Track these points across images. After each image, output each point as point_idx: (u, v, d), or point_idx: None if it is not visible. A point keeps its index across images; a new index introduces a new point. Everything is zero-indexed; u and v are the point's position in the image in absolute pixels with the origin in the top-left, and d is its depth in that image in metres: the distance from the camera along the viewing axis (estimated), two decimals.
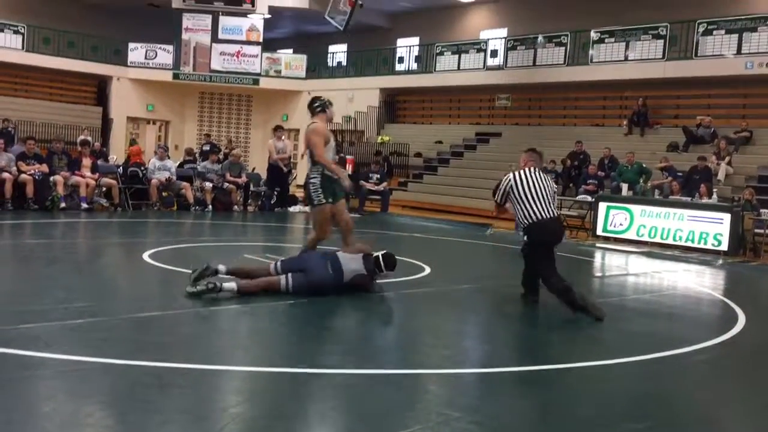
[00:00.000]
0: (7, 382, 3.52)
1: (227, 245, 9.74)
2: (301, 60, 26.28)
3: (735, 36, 16.50)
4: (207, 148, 18.12)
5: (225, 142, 22.05)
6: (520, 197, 6.20)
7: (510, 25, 23.17)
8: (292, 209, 15.49)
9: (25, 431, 3.01)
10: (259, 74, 25.45)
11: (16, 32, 23.26)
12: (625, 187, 13.90)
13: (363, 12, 20.63)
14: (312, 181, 6.53)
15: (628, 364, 4.74)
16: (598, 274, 10.12)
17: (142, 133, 26.67)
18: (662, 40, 17.70)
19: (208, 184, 14.13)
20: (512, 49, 20.88)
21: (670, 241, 12.40)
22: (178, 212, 13.49)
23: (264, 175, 15.79)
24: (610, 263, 11.01)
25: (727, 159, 14.79)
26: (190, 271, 5.86)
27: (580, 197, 14.74)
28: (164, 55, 25.39)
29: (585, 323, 5.82)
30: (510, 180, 6.30)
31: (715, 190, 13.26)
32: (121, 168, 13.98)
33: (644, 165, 14.78)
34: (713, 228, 11.97)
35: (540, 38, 19.98)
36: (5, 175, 11.62)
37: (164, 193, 13.84)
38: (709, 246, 11.95)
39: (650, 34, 17.90)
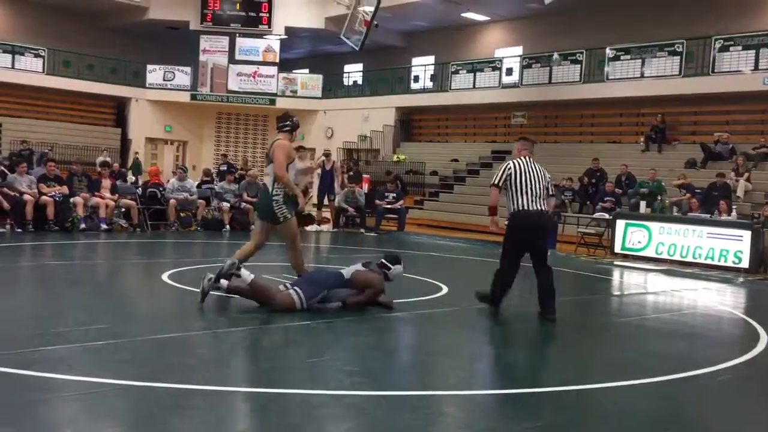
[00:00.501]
0: (29, 404, 3.55)
1: (245, 265, 9.74)
2: (317, 80, 26.50)
3: (752, 52, 16.45)
4: (224, 168, 18.26)
5: (241, 162, 22.22)
6: (515, 186, 6.60)
7: (525, 43, 23.22)
8: (308, 228, 15.54)
9: None
10: (275, 94, 25.69)
11: (36, 55, 23.71)
12: (643, 204, 13.83)
13: (378, 32, 20.84)
14: (275, 198, 6.69)
15: (649, 385, 4.68)
16: (617, 292, 10.04)
17: (160, 154, 26.95)
18: (678, 57, 17.67)
19: (226, 205, 14.22)
20: (528, 67, 20.93)
21: (689, 259, 12.30)
22: (196, 232, 13.58)
23: None
24: (628, 281, 10.92)
25: (746, 175, 14.68)
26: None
27: (597, 215, 14.67)
28: (182, 76, 25.72)
29: (603, 343, 5.77)
30: (511, 167, 6.69)
31: (734, 206, 13.15)
32: (140, 189, 14.13)
33: (662, 182, 14.73)
34: (733, 245, 11.86)
35: (555, 56, 20.00)
36: (27, 197, 11.78)
37: (182, 214, 13.95)
38: (729, 263, 11.84)
39: (666, 50, 17.88)
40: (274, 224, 6.80)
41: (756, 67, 16.34)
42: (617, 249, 13.27)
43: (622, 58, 18.70)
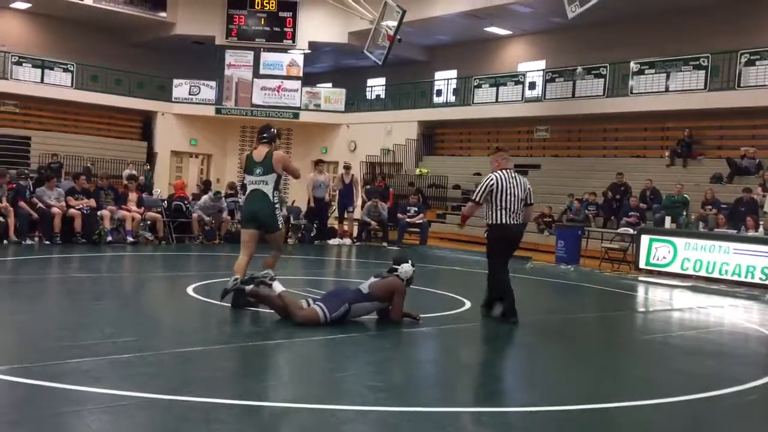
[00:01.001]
0: (57, 417, 3.60)
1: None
2: (341, 94, 26.66)
3: None
4: None
5: None
6: (496, 200, 6.74)
7: (548, 57, 23.18)
8: (331, 242, 15.60)
9: None
10: (299, 108, 25.89)
11: (65, 70, 24.11)
12: (668, 219, 13.70)
13: (401, 46, 20.95)
14: (277, 208, 6.87)
15: (677, 404, 4.63)
16: (642, 309, 9.94)
17: (185, 167, 27.24)
18: (704, 71, 17.50)
19: None
20: (551, 81, 20.87)
21: (715, 275, 12.14)
22: (221, 245, 13.69)
23: (304, 208, 15.95)
24: (653, 298, 10.81)
25: None
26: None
27: (621, 229, 14.55)
28: (207, 90, 26.03)
29: (628, 361, 5.71)
30: (493, 181, 6.78)
31: (761, 222, 12.97)
32: (165, 202, 14.29)
33: (686, 197, 14.60)
34: (761, 261, 11.69)
35: (579, 69, 19.93)
36: (54, 209, 11.97)
37: (207, 227, 14.07)
38: (756, 280, 11.66)
39: (691, 65, 17.73)
40: (271, 232, 6.89)
41: None
42: (642, 264, 13.14)
43: (646, 72, 18.57)
